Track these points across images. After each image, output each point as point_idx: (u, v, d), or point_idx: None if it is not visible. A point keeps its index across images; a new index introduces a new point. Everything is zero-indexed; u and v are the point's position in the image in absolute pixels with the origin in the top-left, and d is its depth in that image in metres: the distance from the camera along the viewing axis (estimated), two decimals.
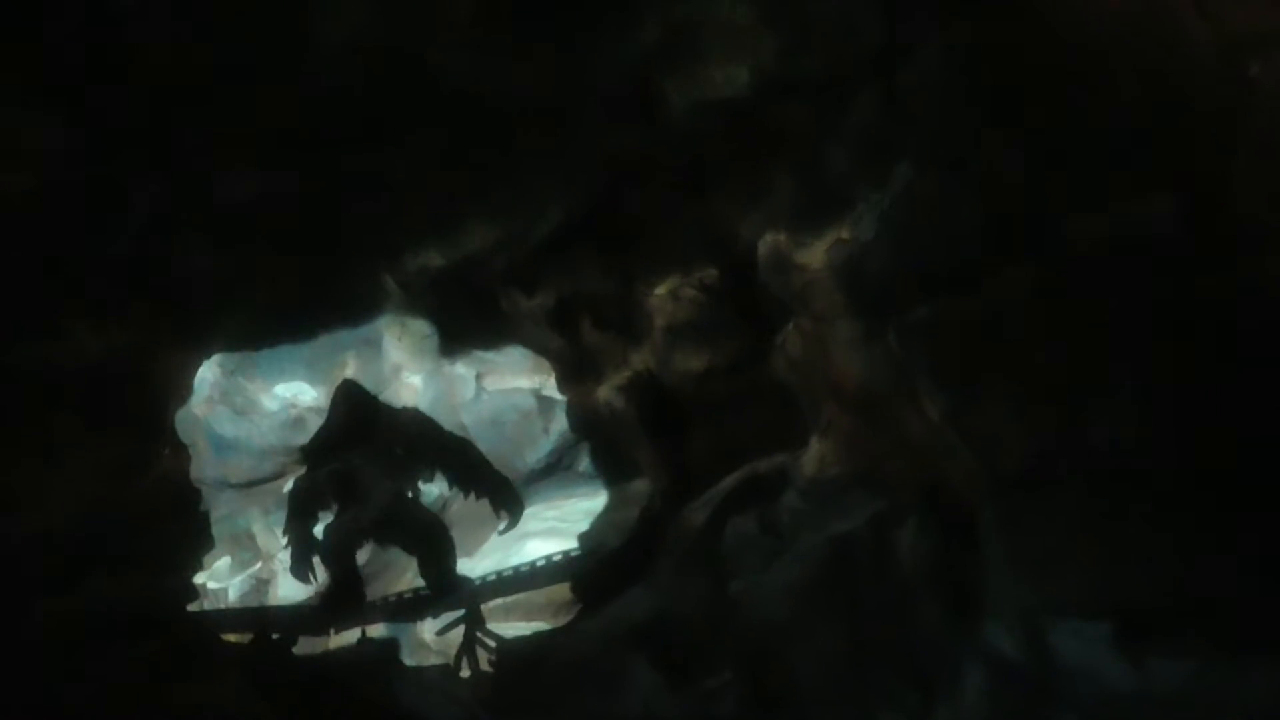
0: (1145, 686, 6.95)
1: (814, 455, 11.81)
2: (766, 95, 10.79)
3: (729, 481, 13.36)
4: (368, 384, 20.34)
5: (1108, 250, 8.22)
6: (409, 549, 16.13)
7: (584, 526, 17.74)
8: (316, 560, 15.59)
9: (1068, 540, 7.93)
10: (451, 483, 16.51)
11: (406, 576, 16.92)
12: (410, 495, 16.00)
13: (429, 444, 16.45)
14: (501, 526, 16.75)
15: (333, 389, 17.58)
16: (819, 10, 10.09)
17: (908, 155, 9.66)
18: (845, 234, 10.53)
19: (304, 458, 16.73)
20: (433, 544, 15.74)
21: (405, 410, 17.70)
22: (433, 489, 18.10)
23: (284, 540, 15.89)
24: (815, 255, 11.00)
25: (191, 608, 14.22)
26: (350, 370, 22.76)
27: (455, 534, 16.69)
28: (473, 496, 16.43)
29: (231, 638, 14.71)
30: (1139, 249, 8.11)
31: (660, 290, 14.61)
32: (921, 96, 9.55)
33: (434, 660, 16.50)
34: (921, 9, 9.56)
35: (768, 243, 11.93)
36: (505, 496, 16.49)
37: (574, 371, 16.71)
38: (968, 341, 8.96)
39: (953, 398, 9.10)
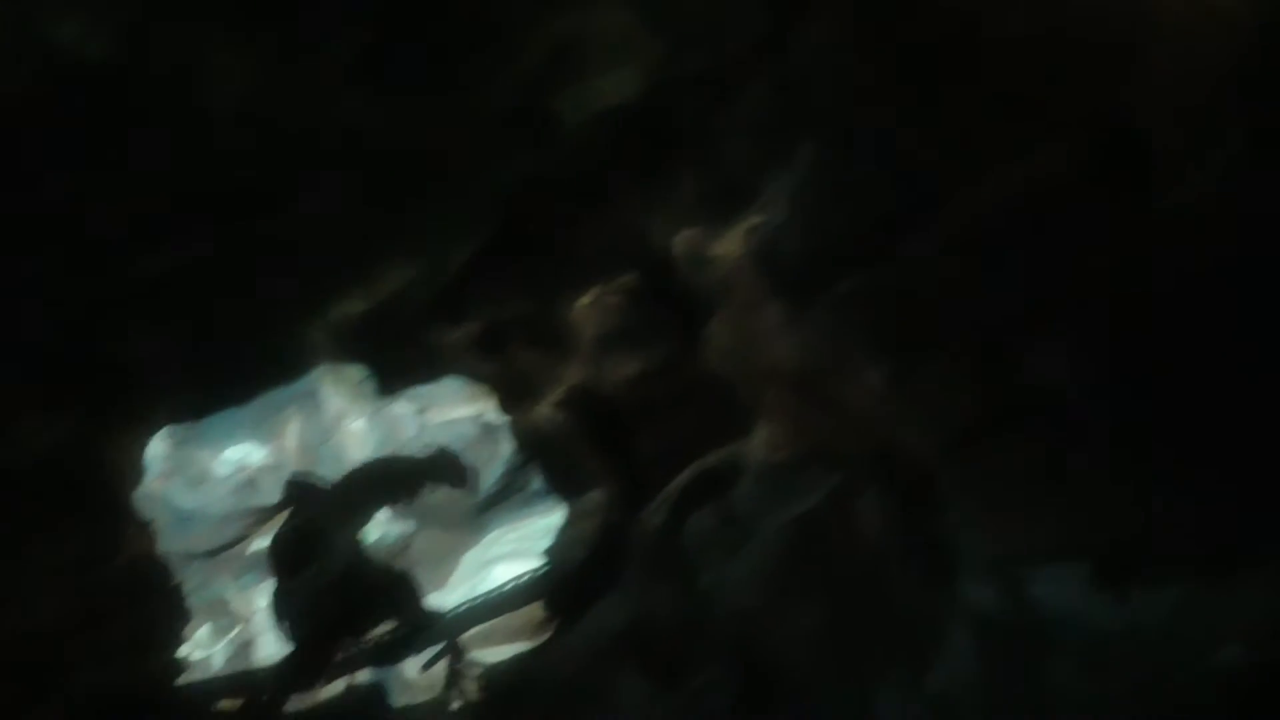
0: (1133, 621, 6.90)
1: (761, 441, 11.68)
2: (657, 97, 10.77)
3: (681, 479, 13.18)
4: (312, 435, 20.28)
5: (1021, 201, 8.16)
6: (376, 601, 16.06)
7: (547, 543, 17.32)
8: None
9: (1029, 489, 7.89)
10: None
11: (381, 620, 16.83)
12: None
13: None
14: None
15: (276, 446, 17.60)
16: (698, 8, 10.02)
17: (806, 135, 9.57)
18: (757, 219, 10.41)
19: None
20: (397, 589, 15.70)
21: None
22: (393, 530, 18.10)
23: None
24: (731, 245, 10.87)
25: (179, 682, 14.18)
26: (295, 424, 22.74)
27: (421, 569, 16.64)
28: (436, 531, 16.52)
29: (224, 705, 14.68)
30: (1051, 196, 8.05)
31: (584, 301, 14.54)
32: (811, 77, 9.47)
33: (423, 698, 16.15)
34: None
35: (681, 240, 11.82)
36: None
37: (512, 394, 16.57)
38: (896, 308, 8.87)
39: (891, 365, 8.98)
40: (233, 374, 13.50)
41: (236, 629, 23.64)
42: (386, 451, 22.15)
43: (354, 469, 17.54)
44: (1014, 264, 8.20)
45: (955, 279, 8.49)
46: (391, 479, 17.22)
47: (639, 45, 10.34)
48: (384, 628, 16.37)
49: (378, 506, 16.43)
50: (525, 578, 16.95)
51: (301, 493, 15.94)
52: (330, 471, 16.89)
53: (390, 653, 15.93)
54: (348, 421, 23.30)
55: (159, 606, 13.24)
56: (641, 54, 10.42)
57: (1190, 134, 7.70)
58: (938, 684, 8.40)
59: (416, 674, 16.98)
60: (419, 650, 15.90)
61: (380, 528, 18.00)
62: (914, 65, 8.67)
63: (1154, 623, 6.94)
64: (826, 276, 9.40)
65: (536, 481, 21.08)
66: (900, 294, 8.82)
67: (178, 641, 14.18)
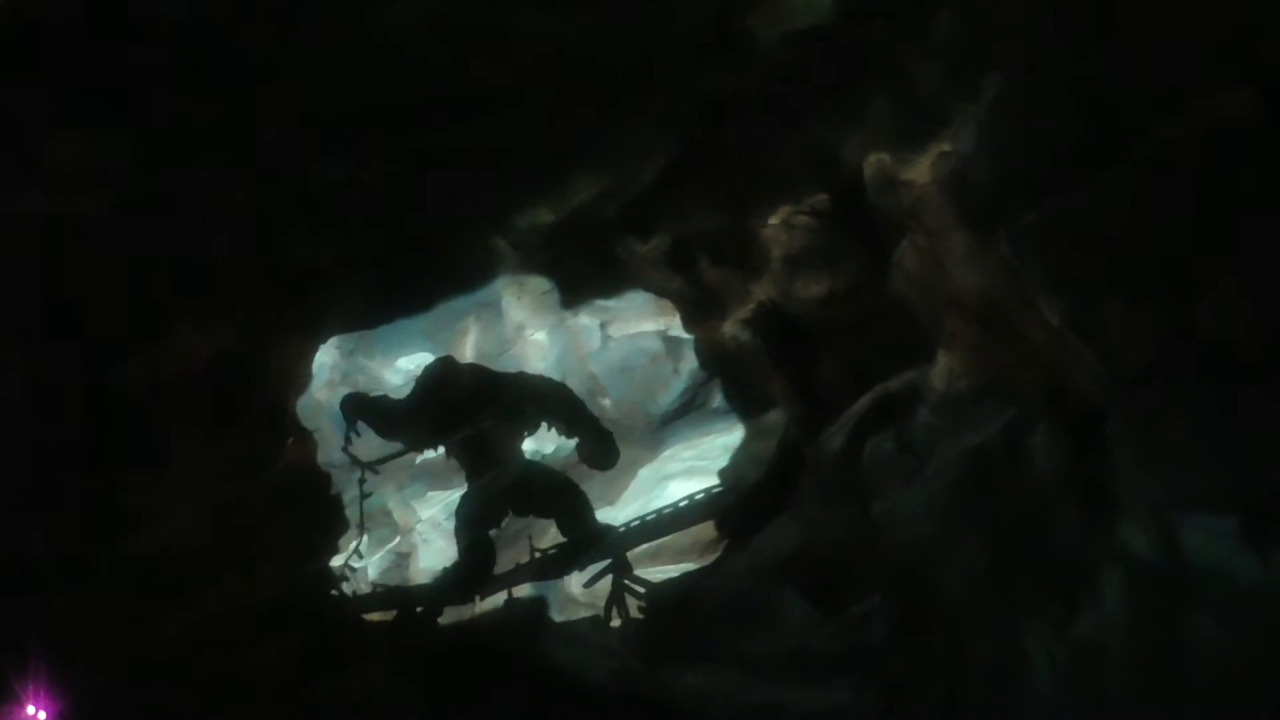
0: (1273, 579, 7.00)
1: (942, 370, 11.85)
2: (849, 19, 10.91)
3: (862, 403, 13.40)
4: (492, 345, 20.62)
5: (1198, 145, 8.26)
6: (543, 513, 16.49)
7: (723, 463, 17.77)
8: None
9: (1191, 435, 7.94)
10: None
11: (550, 532, 17.17)
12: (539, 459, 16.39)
13: (535, 399, 16.83)
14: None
15: (457, 356, 17.99)
16: None
17: (995, 66, 9.70)
18: (946, 147, 10.57)
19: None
20: (567, 504, 16.07)
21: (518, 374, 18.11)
22: (566, 444, 18.42)
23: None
24: (921, 171, 11.05)
25: (334, 593, 14.62)
26: (472, 335, 23.01)
27: (594, 484, 17.00)
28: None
29: (374, 617, 15.09)
30: (1225, 141, 8.14)
31: (773, 221, 14.76)
32: (999, 7, 9.60)
33: (583, 613, 16.75)
34: None
35: (872, 163, 11.96)
36: (597, 448, 16.95)
37: (698, 310, 16.83)
38: (1076, 244, 8.98)
39: (1069, 301, 9.12)
40: (410, 283, 13.93)
41: (395, 540, 24.12)
42: (568, 364, 22.54)
43: (533, 381, 17.89)
44: (1196, 204, 8.33)
45: (1137, 217, 8.63)
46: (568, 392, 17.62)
47: None
48: (551, 541, 16.88)
49: (554, 421, 16.77)
50: (699, 496, 17.06)
51: (478, 403, 16.34)
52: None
53: (554, 567, 16.49)
54: (529, 332, 23.39)
55: (314, 517, 13.61)
56: None
57: None
58: (1086, 627, 8.56)
59: (579, 589, 17.68)
60: (584, 565, 16.40)
61: (556, 440, 18.44)
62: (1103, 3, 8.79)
63: None
64: (1011, 208, 9.54)
65: (717, 399, 21.36)
66: (1082, 230, 8.93)
67: (332, 552, 14.68)
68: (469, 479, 16.67)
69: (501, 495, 16.17)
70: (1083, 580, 8.71)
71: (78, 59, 9.19)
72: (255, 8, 9.65)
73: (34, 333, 9.90)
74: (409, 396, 16.80)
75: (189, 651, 11.02)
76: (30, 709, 9.75)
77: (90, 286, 10.11)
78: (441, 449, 16.72)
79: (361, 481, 16.30)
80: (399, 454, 17.92)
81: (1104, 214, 8.79)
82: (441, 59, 10.74)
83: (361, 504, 16.16)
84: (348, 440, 16.15)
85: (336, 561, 15.15)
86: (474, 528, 16.00)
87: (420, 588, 17.79)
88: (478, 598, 15.93)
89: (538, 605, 14.97)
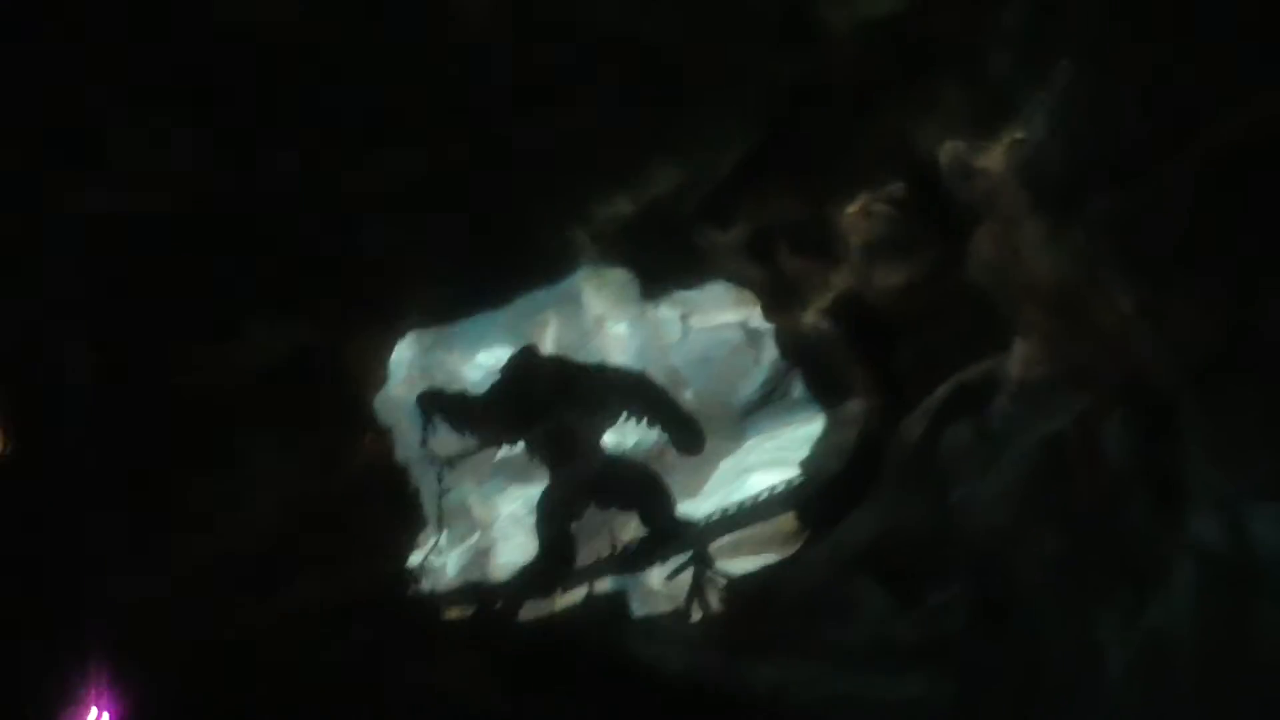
0: None
1: (1018, 358, 11.92)
2: (920, 8, 11.01)
3: (941, 392, 13.46)
4: (572, 338, 20.74)
5: (1268, 138, 8.25)
6: (626, 506, 16.59)
7: (804, 453, 17.67)
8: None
9: (1260, 425, 7.97)
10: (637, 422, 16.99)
11: (631, 526, 17.29)
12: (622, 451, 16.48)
13: (618, 390, 16.92)
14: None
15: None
16: None
17: (1065, 52, 9.69)
18: (1020, 134, 10.61)
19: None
20: (650, 496, 16.17)
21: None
22: (650, 435, 18.51)
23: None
24: (995, 158, 11.08)
25: (412, 590, 14.80)
26: (552, 328, 23.15)
27: (677, 476, 17.10)
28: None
29: (454, 613, 15.25)
30: None
31: (851, 209, 14.76)
32: None
33: (664, 607, 16.67)
34: None
35: (947, 151, 11.97)
36: (683, 432, 17.00)
37: (778, 299, 16.89)
38: (1150, 231, 8.98)
39: (1142, 288, 9.11)
40: (490, 276, 14.12)
41: (475, 536, 24.27)
42: (649, 355, 22.64)
43: (614, 372, 18.02)
44: (1267, 193, 8.32)
45: (1208, 205, 8.59)
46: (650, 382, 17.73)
47: None
48: (633, 534, 16.99)
49: (636, 411, 16.86)
50: (780, 488, 17.17)
51: (560, 395, 16.47)
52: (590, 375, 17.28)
53: (636, 560, 16.66)
54: (609, 325, 23.45)
55: (392, 513, 13.88)
56: None
57: None
58: (1156, 617, 8.54)
59: (660, 583, 17.66)
60: (665, 559, 16.51)
61: (638, 432, 18.57)
62: None
63: None
64: (1084, 195, 9.54)
65: (798, 389, 21.39)
66: (1154, 217, 8.92)
67: (410, 548, 14.89)
68: (551, 473, 16.82)
69: (583, 489, 16.31)
70: (1153, 570, 8.73)
71: (148, 56, 9.39)
72: (331, 4, 9.84)
73: (109, 332, 10.07)
74: (489, 389, 16.95)
75: (265, 649, 11.20)
76: (94, 711, 9.89)
77: (164, 284, 10.32)
78: (521, 444, 16.89)
79: (440, 478, 16.45)
80: (478, 449, 18.08)
81: (1174, 201, 8.78)
82: (517, 50, 10.91)
83: (440, 500, 16.30)
84: (425, 436, 16.31)
85: (415, 558, 15.33)
86: (555, 522, 16.15)
87: (500, 583, 17.98)
88: (558, 592, 16.09)
89: (618, 599, 15.05)
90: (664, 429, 17.14)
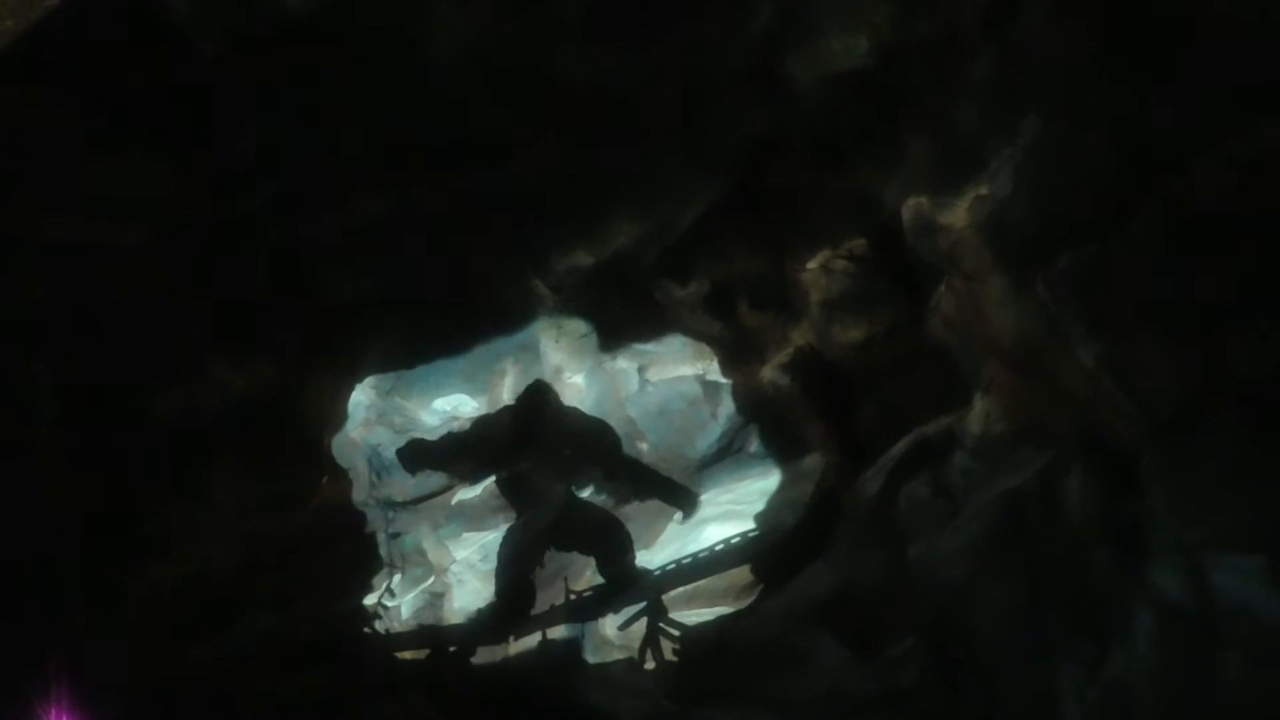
0: None
1: (979, 414, 11.89)
2: (887, 62, 11.06)
3: (899, 448, 13.46)
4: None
5: (1235, 181, 8.37)
6: (586, 550, 16.61)
7: (760, 507, 17.84)
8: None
9: (1223, 477, 8.05)
10: (624, 488, 16.98)
11: (586, 575, 17.29)
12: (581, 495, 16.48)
13: (598, 451, 16.93)
14: (678, 516, 17.17)
15: (491, 398, 18.10)
16: None
17: (1033, 107, 9.82)
18: (984, 190, 10.68)
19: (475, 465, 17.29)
20: (610, 542, 16.18)
21: (571, 411, 18.18)
22: (606, 485, 18.52)
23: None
24: (958, 214, 11.14)
25: (367, 630, 14.72)
26: (510, 377, 23.13)
27: (632, 528, 17.10)
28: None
29: (408, 655, 15.22)
30: (1264, 176, 8.24)
31: (812, 265, 14.79)
32: (1036, 47, 9.72)
33: (617, 656, 16.85)
34: None
35: (910, 207, 12.01)
36: (676, 495, 17.00)
37: (736, 354, 16.99)
38: (1112, 286, 9.08)
39: (1104, 343, 9.21)
40: (449, 323, 14.14)
41: (430, 580, 24.25)
42: (606, 407, 22.63)
43: (571, 423, 18.05)
44: (1230, 246, 8.42)
45: (1171, 259, 8.72)
46: (608, 435, 17.76)
47: (869, 10, 10.69)
48: (587, 582, 16.99)
49: (592, 461, 16.88)
50: (735, 540, 17.19)
51: (517, 444, 16.49)
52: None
53: (590, 608, 16.62)
54: (567, 375, 23.41)
55: (347, 554, 13.79)
56: (871, 19, 10.75)
57: None
58: (1116, 668, 8.57)
59: (614, 632, 17.58)
60: (619, 608, 16.49)
61: (594, 483, 18.53)
62: (1139, 40, 8.93)
63: None
64: (1048, 251, 9.64)
65: (755, 444, 21.42)
66: (1116, 272, 9.06)
67: (364, 589, 14.82)
68: (517, 514, 16.84)
69: (544, 532, 16.32)
70: (1114, 620, 8.78)
71: (119, 89, 9.39)
72: (297, 48, 9.87)
73: (70, 361, 10.02)
74: (474, 428, 17.00)
75: (218, 682, 11.13)
76: None
77: (126, 316, 10.26)
78: (482, 487, 16.93)
79: (389, 521, 16.46)
80: (433, 494, 18.10)
81: (1139, 255, 8.90)
82: (481, 98, 10.92)
83: (390, 543, 16.30)
84: (374, 481, 16.33)
85: (370, 599, 15.27)
86: (514, 567, 16.15)
87: (455, 626, 17.93)
88: (512, 638, 16.05)
89: (572, 646, 15.09)
90: (658, 496, 17.24)
